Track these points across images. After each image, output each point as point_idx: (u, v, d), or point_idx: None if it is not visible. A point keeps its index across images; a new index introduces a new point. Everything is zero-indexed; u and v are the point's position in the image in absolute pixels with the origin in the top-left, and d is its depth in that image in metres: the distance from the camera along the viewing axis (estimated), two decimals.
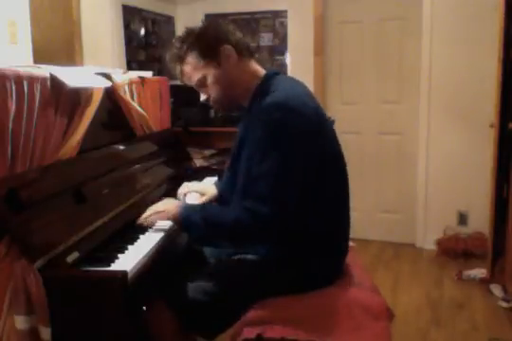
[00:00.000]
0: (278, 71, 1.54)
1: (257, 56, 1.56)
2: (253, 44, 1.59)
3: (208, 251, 1.70)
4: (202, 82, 1.49)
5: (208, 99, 1.53)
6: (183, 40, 1.48)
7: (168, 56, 1.52)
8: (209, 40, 1.45)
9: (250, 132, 1.42)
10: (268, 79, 1.47)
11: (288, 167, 1.33)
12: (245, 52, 1.49)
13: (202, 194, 1.84)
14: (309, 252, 1.46)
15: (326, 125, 1.46)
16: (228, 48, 1.45)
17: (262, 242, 1.47)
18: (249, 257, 1.50)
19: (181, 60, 1.49)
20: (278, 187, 1.32)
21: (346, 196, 1.53)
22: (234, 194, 1.49)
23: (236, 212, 1.37)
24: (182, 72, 1.51)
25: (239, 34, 1.50)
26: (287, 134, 1.33)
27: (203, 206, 1.48)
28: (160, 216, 1.53)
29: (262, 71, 1.52)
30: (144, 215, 1.57)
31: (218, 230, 1.41)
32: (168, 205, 1.56)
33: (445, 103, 3.39)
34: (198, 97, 1.56)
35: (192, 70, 1.48)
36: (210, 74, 1.46)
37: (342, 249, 1.55)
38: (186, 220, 1.45)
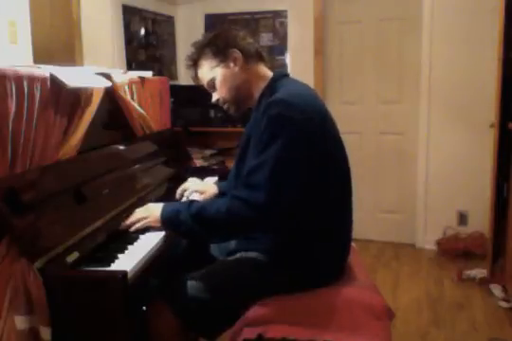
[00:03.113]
0: (286, 73, 1.59)
1: (266, 60, 1.61)
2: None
3: (212, 250, 1.70)
4: (212, 84, 1.57)
5: (218, 101, 1.60)
6: (197, 44, 1.58)
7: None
8: (219, 44, 1.54)
9: (255, 129, 1.46)
10: (275, 81, 1.53)
11: (286, 159, 1.34)
12: (252, 56, 1.56)
13: (202, 193, 1.85)
14: (311, 252, 1.47)
15: (330, 126, 1.47)
16: (235, 52, 1.52)
17: (259, 232, 1.47)
18: (250, 256, 1.50)
19: (195, 62, 1.59)
20: (274, 176, 1.33)
21: (349, 197, 1.54)
22: None
23: (227, 203, 1.37)
24: (196, 74, 1.60)
25: (248, 40, 1.58)
26: (287, 127, 1.35)
27: (189, 203, 1.46)
28: (146, 222, 1.51)
29: (270, 74, 1.58)
30: (128, 221, 1.53)
31: (209, 224, 1.40)
32: (150, 209, 1.53)
33: (445, 103, 3.39)
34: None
35: (204, 72, 1.58)
36: (219, 75, 1.54)
37: (345, 249, 1.56)
38: (172, 219, 1.44)
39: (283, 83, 1.51)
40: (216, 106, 1.65)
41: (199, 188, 1.87)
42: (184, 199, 1.83)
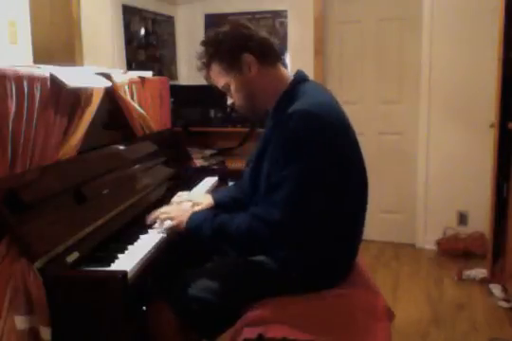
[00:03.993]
0: (306, 77, 1.51)
1: (282, 57, 1.53)
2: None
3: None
4: (226, 89, 1.49)
5: (233, 104, 1.53)
6: (206, 46, 1.47)
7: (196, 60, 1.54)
8: (228, 48, 1.43)
9: (274, 137, 1.40)
10: (295, 85, 1.46)
11: (309, 175, 1.32)
12: (269, 56, 1.46)
13: (196, 204, 1.76)
14: (320, 255, 1.44)
15: (349, 132, 1.45)
16: (247, 56, 1.42)
17: (276, 249, 1.46)
18: (253, 257, 1.49)
19: (206, 66, 1.49)
20: (295, 194, 1.31)
21: (365, 199, 1.51)
22: (257, 198, 1.48)
23: (248, 222, 1.36)
24: (209, 76, 1.52)
25: (261, 38, 1.45)
26: (310, 142, 1.31)
27: (213, 217, 1.45)
28: (172, 225, 1.54)
29: (288, 76, 1.50)
30: (154, 215, 1.58)
31: (230, 241, 1.44)
32: (179, 212, 1.56)
33: (445, 103, 3.39)
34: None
35: (217, 77, 1.49)
36: (233, 82, 1.46)
37: (354, 252, 1.53)
38: (196, 231, 1.47)
39: (305, 89, 1.44)
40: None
41: (192, 200, 1.81)
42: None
